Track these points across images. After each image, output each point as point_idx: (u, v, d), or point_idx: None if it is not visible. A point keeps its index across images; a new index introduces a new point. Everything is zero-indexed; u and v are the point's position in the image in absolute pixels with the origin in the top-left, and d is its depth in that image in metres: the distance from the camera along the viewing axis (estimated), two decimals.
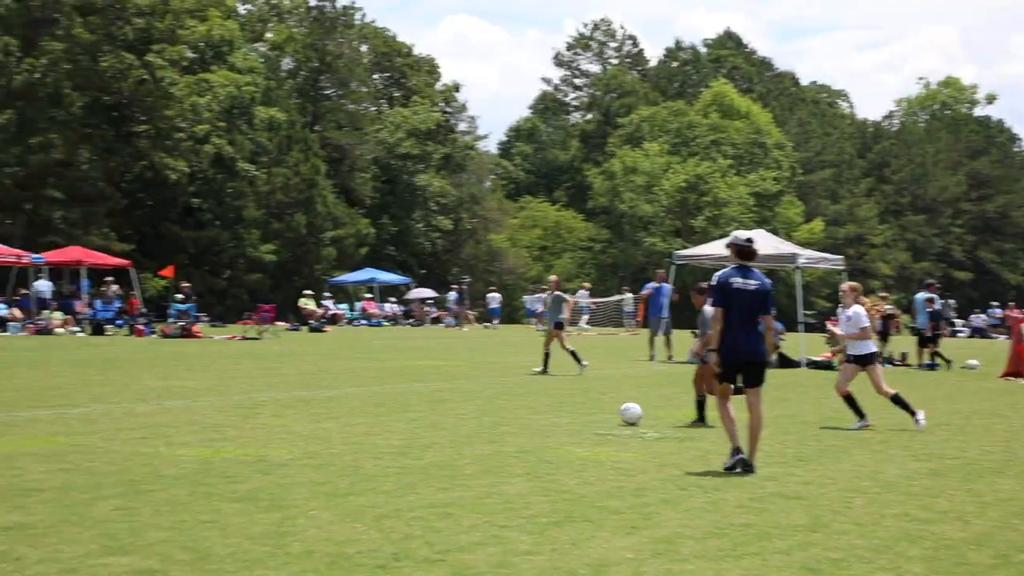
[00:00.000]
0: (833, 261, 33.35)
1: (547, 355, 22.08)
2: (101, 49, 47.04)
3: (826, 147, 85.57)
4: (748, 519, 8.06)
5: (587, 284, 58.05)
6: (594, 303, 53.51)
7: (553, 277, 24.43)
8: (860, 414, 13.82)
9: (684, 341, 29.51)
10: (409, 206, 70.60)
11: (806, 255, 31.69)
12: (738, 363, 10.13)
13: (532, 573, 6.40)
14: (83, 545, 6.77)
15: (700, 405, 13.78)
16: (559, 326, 22.36)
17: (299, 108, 65.50)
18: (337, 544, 6.95)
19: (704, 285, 14.59)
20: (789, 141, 79.50)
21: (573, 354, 22.06)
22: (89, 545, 6.77)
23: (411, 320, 55.66)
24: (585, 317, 52.18)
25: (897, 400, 13.94)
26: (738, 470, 9.95)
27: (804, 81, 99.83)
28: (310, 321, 46.77)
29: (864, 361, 14.02)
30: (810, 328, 31.11)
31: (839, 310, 14.62)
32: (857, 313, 14.05)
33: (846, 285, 14.48)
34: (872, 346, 14.26)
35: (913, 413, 13.77)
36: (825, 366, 25.63)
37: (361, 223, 64.21)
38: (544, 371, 21.77)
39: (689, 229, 71.06)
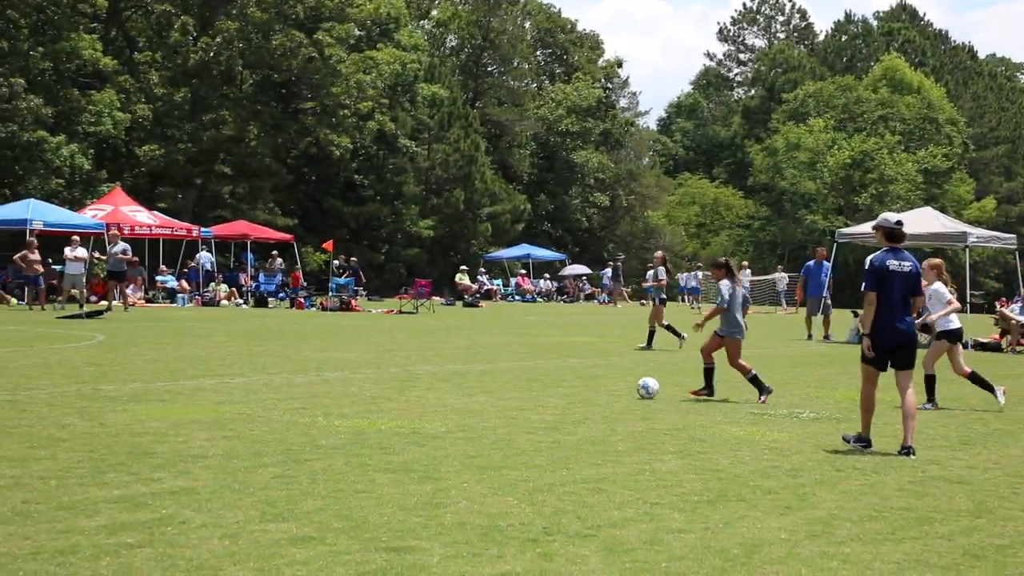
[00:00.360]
0: (1005, 240, 32.20)
1: (669, 328, 22.18)
2: (273, 28, 48.12)
3: (1002, 122, 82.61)
4: (908, 503, 7.85)
5: (746, 263, 57.11)
6: (752, 282, 52.60)
7: (659, 253, 24.26)
8: (931, 397, 13.55)
9: (843, 320, 28.94)
10: (566, 182, 70.62)
11: (976, 234, 30.73)
12: (890, 346, 9.94)
13: (684, 550, 6.33)
14: (244, 511, 6.95)
15: (708, 374, 13.57)
16: (663, 302, 22.64)
17: (461, 85, 66.01)
18: (489, 516, 6.99)
19: (721, 260, 14.21)
20: (962, 116, 76.89)
21: (667, 328, 22.24)
22: (249, 511, 6.95)
23: (565, 296, 55.72)
24: None
25: (975, 378, 13.80)
26: (856, 446, 10.03)
27: (982, 54, 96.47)
28: (465, 296, 47.30)
29: (951, 337, 13.76)
30: (977, 309, 30.12)
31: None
32: (937, 290, 13.76)
33: (926, 263, 14.08)
34: (957, 322, 13.94)
35: (992, 390, 13.60)
36: (993, 347, 24.90)
37: (518, 199, 64.50)
38: (680, 340, 21.97)
39: (852, 207, 69.42)
